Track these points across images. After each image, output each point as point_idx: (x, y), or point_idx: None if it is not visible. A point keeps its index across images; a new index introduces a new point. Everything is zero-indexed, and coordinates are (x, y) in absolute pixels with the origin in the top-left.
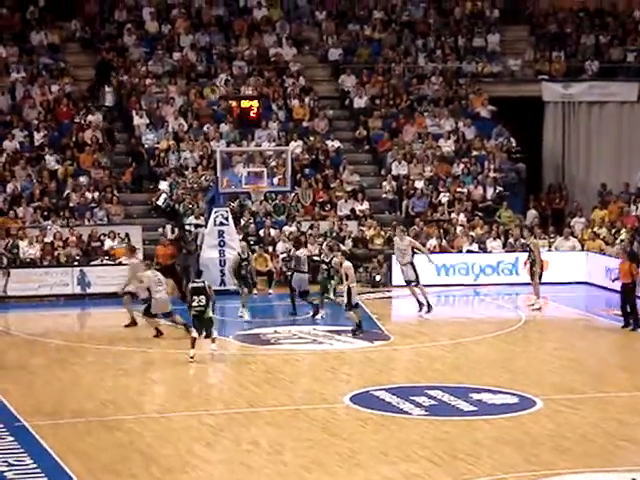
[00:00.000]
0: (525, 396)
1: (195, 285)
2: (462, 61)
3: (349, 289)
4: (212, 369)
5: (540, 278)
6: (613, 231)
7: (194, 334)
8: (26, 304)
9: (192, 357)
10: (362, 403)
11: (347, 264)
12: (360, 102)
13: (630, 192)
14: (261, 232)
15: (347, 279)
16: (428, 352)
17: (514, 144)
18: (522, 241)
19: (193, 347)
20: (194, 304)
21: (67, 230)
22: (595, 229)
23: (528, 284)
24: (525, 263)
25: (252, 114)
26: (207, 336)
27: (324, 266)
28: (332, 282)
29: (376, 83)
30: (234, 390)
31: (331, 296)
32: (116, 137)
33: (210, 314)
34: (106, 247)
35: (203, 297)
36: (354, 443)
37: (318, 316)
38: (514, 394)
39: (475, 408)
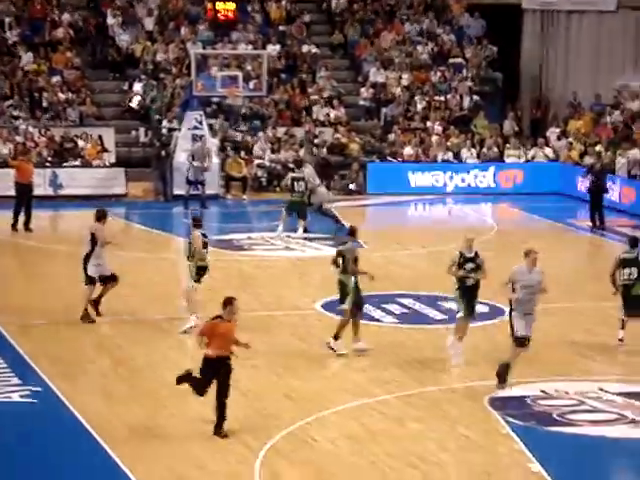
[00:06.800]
0: (495, 305)
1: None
2: None
3: None
4: (184, 275)
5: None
6: (587, 142)
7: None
8: None
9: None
10: (333, 310)
11: None
12: (338, 6)
13: (603, 103)
14: (238, 137)
15: None
16: (400, 260)
17: (493, 52)
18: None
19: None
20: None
21: (39, 130)
22: (570, 139)
23: (502, 194)
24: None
25: (228, 15)
26: None
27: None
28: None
29: None
30: (206, 295)
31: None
32: (90, 37)
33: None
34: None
35: (635, 269)
36: (324, 349)
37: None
38: (484, 303)
39: (445, 317)
